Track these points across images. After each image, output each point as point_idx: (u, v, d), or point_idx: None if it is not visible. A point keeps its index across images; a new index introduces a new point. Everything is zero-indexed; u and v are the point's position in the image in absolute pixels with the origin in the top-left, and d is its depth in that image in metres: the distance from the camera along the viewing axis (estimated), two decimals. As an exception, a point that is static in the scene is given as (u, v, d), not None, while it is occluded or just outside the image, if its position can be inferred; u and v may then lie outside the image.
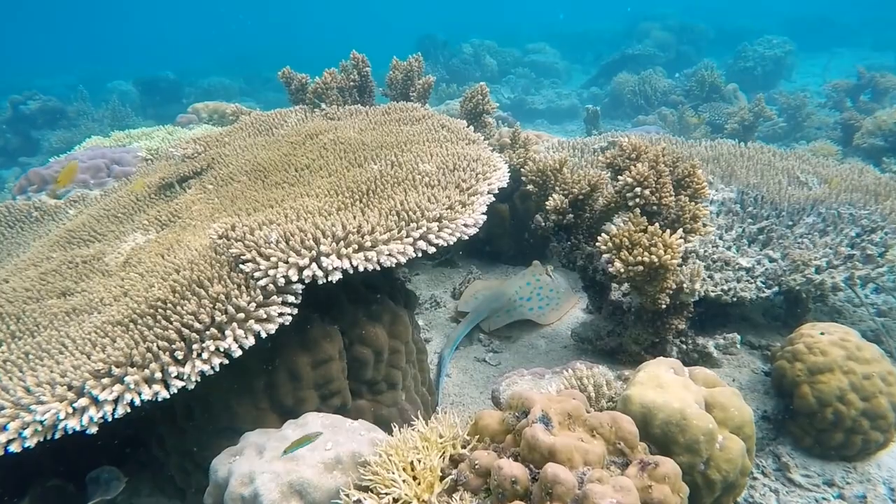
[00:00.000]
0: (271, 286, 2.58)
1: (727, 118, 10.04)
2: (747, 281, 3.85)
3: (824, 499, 3.21)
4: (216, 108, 7.66)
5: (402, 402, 3.18)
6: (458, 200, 3.11)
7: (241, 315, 2.48)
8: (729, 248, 4.19)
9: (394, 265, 2.71)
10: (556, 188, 3.84)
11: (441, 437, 2.25)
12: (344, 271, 2.64)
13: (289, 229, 2.76)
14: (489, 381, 4.01)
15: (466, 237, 3.01)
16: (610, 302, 3.86)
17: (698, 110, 11.16)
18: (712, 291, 3.67)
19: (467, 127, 4.32)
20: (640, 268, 2.94)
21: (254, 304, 2.51)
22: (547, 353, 4.29)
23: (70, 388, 2.28)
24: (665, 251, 2.89)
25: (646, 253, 2.94)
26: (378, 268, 2.68)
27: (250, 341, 2.48)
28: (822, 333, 3.45)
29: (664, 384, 2.55)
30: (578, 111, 14.64)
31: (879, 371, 3.29)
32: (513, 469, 1.94)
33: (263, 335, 2.52)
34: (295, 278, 2.57)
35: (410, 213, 2.89)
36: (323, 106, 5.12)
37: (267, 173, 3.98)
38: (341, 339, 2.97)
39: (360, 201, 3.13)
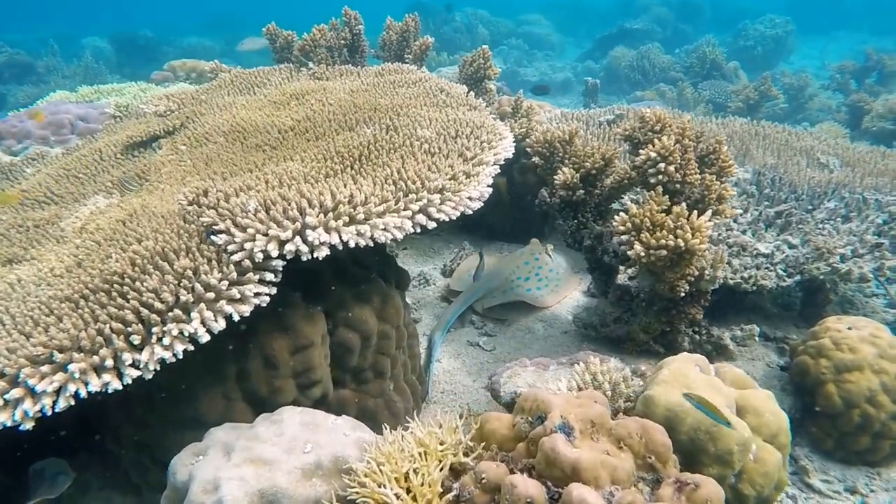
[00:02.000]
0: (247, 262, 2.22)
1: (730, 97, 9.72)
2: (767, 268, 3.57)
3: (845, 506, 2.98)
4: (194, 67, 7.17)
5: (390, 393, 2.86)
6: (461, 171, 2.75)
7: (211, 294, 2.12)
8: (744, 233, 3.90)
9: (389, 241, 2.37)
10: (566, 161, 3.50)
11: (441, 443, 1.94)
12: (332, 247, 2.29)
13: (270, 197, 2.40)
14: (483, 368, 3.71)
15: (470, 211, 2.67)
16: (618, 286, 3.56)
17: (698, 88, 10.82)
18: (731, 279, 3.39)
19: (468, 93, 3.94)
20: (664, 252, 2.63)
21: (226, 282, 2.16)
22: (545, 339, 3.99)
23: (1, 375, 1.92)
24: (693, 235, 2.58)
25: (670, 236, 2.62)
26: (371, 244, 2.34)
27: (220, 325, 2.13)
28: (849, 328, 3.18)
29: (691, 384, 2.25)
30: (572, 84, 14.22)
31: (912, 371, 3.05)
32: (528, 488, 1.63)
33: (236, 318, 2.17)
34: (275, 253, 2.21)
35: (409, 182, 2.54)
36: (310, 65, 4.69)
37: (246, 134, 3.58)
38: (325, 323, 2.63)
39: (352, 168, 2.77)
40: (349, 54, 4.90)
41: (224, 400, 2.51)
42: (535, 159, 3.68)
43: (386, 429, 2.10)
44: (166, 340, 2.01)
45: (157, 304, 2.06)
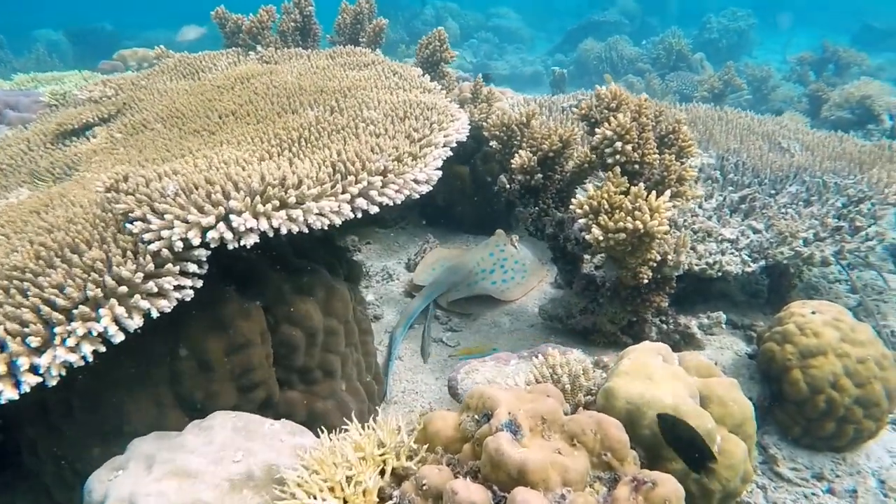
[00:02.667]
0: (166, 251, 2.01)
1: (696, 87, 9.71)
2: (732, 254, 3.47)
3: (814, 494, 2.88)
4: (145, 56, 6.86)
5: (342, 394, 2.67)
6: (407, 152, 2.58)
7: (124, 289, 1.91)
8: (710, 218, 3.80)
9: (325, 227, 2.18)
10: (524, 144, 3.34)
11: (382, 445, 1.76)
12: (263, 234, 2.09)
13: (194, 180, 2.19)
14: (447, 365, 3.54)
15: (417, 195, 2.49)
16: (583, 276, 3.42)
17: (665, 79, 10.81)
18: (696, 265, 3.27)
19: (422, 75, 3.76)
20: (622, 235, 2.49)
21: (141, 275, 1.94)
22: (511, 333, 3.84)
23: None
24: (651, 216, 2.44)
25: (628, 218, 2.48)
26: (305, 230, 2.15)
27: (136, 322, 1.92)
28: (813, 313, 3.09)
29: (653, 375, 2.11)
30: (542, 78, 14.13)
31: (874, 354, 2.96)
32: (471, 494, 1.47)
33: (155, 314, 1.96)
34: (196, 241, 2.01)
35: (348, 164, 2.35)
36: (258, 48, 4.46)
37: (185, 120, 3.36)
38: (264, 319, 2.43)
39: (290, 150, 2.57)
40: (301, 38, 4.68)
41: (155, 407, 2.30)
42: (494, 144, 3.52)
43: (322, 433, 1.91)
44: (71, 341, 1.79)
45: (61, 302, 1.84)
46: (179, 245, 1.98)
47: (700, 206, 3.85)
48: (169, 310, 2.00)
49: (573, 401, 2.23)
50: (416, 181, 2.48)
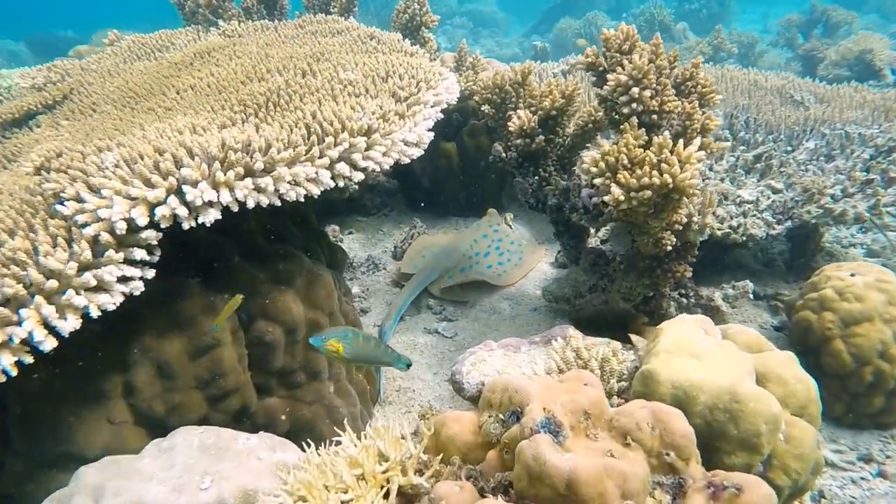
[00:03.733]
0: (106, 236, 1.63)
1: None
2: (753, 216, 3.16)
3: (862, 478, 2.58)
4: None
5: (330, 397, 2.31)
6: (393, 111, 2.22)
7: (53, 283, 1.53)
8: (722, 181, 3.48)
9: (301, 199, 1.82)
10: (520, 105, 2.99)
11: (384, 459, 1.40)
12: (226, 210, 1.73)
13: (140, 150, 1.81)
14: (445, 359, 3.19)
15: (408, 160, 2.14)
16: (590, 250, 3.08)
17: (647, 53, 10.49)
18: (718, 229, 2.95)
19: (402, 39, 3.39)
20: (647, 193, 2.15)
21: (74, 265, 1.57)
22: (513, 319, 3.50)
23: None
24: (682, 168, 2.11)
25: (654, 172, 2.14)
26: (277, 202, 1.78)
27: (71, 324, 1.55)
28: (852, 275, 2.79)
29: (700, 352, 1.78)
30: (521, 60, 13.74)
31: (925, 317, 2.67)
32: (507, 518, 1.12)
33: (96, 312, 1.59)
34: (143, 221, 1.63)
35: (325, 124, 1.98)
36: (220, 23, 4.06)
37: (139, 99, 2.96)
38: (234, 314, 2.07)
39: (256, 116, 2.20)
40: (267, 11, 4.28)
41: (108, 425, 1.93)
42: (485, 108, 3.16)
43: (309, 446, 1.55)
44: (-18, 352, 1.42)
45: (-32, 303, 1.46)
46: (122, 227, 1.61)
47: (711, 169, 3.54)
48: (114, 307, 1.63)
49: (604, 389, 1.90)
50: (405, 142, 2.12)
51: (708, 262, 3.47)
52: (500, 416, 1.38)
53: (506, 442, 1.32)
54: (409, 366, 1.94)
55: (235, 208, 1.72)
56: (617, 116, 2.63)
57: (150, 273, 1.69)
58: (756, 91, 4.17)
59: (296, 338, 2.17)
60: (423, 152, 2.24)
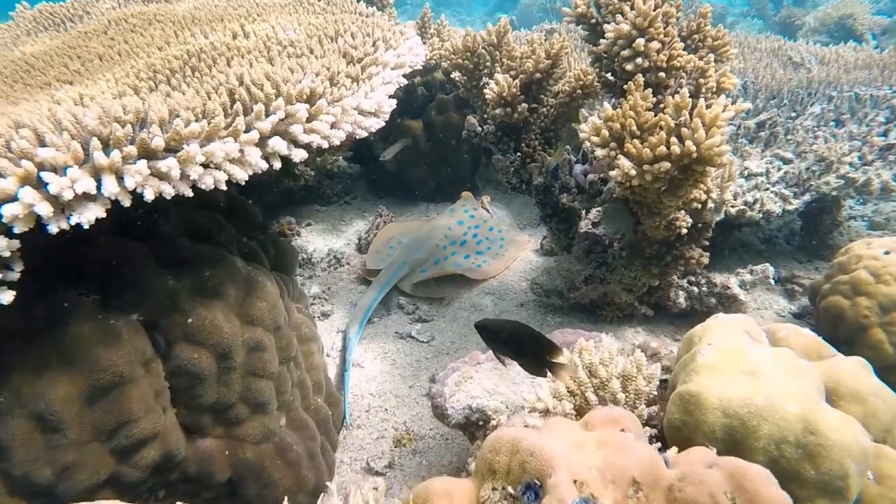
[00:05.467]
0: (-69, 248, 1.14)
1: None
2: (766, 190, 2.78)
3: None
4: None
5: (282, 432, 1.85)
6: (344, 72, 1.74)
7: None
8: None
9: (222, 187, 1.34)
10: (497, 69, 2.55)
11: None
12: (114, 204, 1.24)
13: (-8, 129, 1.30)
14: (421, 368, 2.75)
15: (364, 133, 1.68)
16: (585, 235, 2.68)
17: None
18: (732, 206, 2.57)
19: (358, 1, 2.90)
20: (665, 165, 1.73)
21: None
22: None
23: None
24: (707, 132, 1.69)
25: (673, 139, 1.72)
26: (189, 192, 1.31)
27: None
28: (886, 253, 2.44)
29: (754, 366, 1.37)
30: (485, 39, 13.26)
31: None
32: None
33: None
34: (-15, 225, 1.14)
35: (254, 89, 1.51)
36: (144, -12, 3.49)
37: (35, 73, 2.42)
38: (147, 339, 1.59)
39: (168, 84, 1.70)
40: (199, -24, 3.72)
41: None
42: (455, 75, 2.70)
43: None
44: None
45: None
46: (-51, 234, 1.12)
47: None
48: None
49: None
50: (360, 111, 1.66)
51: (711, 244, 3.11)
52: (510, 489, 0.94)
53: (521, 532, 0.89)
54: None
55: (127, 202, 1.24)
56: (611, 78, 2.21)
57: (8, 296, 1.21)
58: (751, 54, 3.80)
59: (231, 363, 1.70)
60: (383, 123, 1.78)
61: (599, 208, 2.80)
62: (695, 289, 2.59)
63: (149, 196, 1.24)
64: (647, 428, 1.44)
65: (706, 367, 1.39)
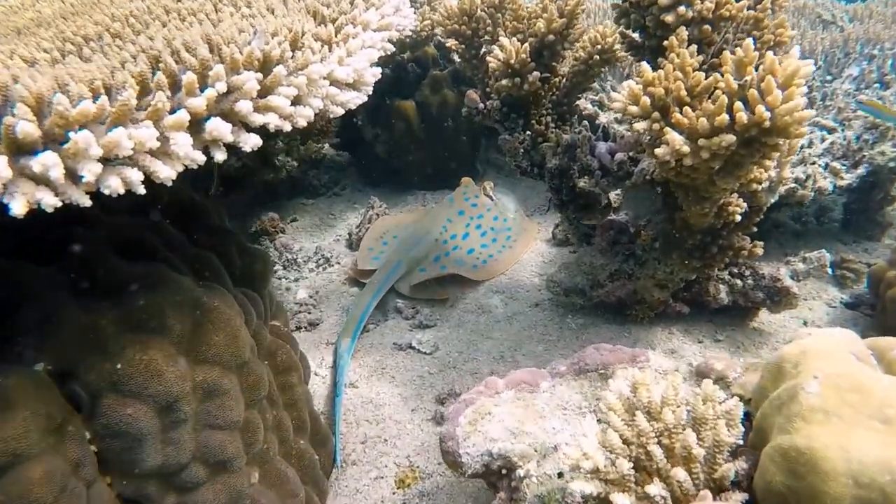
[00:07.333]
0: None
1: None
2: (814, 164, 2.40)
3: None
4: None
5: (255, 491, 1.48)
6: (312, 33, 1.35)
7: None
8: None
9: (139, 189, 0.95)
10: (501, 33, 2.15)
11: None
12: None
13: None
14: (425, 385, 2.37)
15: (341, 110, 1.28)
16: (610, 223, 2.30)
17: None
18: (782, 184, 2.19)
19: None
20: (728, 138, 1.34)
21: None
22: (510, 321, 2.69)
23: None
24: (784, 93, 1.30)
25: (738, 104, 1.33)
26: (86, 201, 0.92)
27: None
28: (968, 232, 2.07)
29: (891, 410, 1.00)
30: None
31: None
32: None
33: None
34: None
35: (186, 54, 1.11)
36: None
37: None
38: (58, 395, 1.20)
39: (79, 55, 1.30)
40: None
41: None
42: (451, 43, 2.30)
43: None
44: None
45: None
46: None
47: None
48: None
49: (706, 476, 1.11)
50: (333, 82, 1.26)
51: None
52: None
53: None
54: None
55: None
56: (639, 39, 1.81)
57: None
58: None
59: (179, 416, 1.32)
60: (365, 98, 1.39)
61: (618, 192, 2.42)
62: (738, 282, 2.22)
63: (17, 211, 0.84)
64: (735, 493, 1.07)
65: (816, 411, 1.02)
